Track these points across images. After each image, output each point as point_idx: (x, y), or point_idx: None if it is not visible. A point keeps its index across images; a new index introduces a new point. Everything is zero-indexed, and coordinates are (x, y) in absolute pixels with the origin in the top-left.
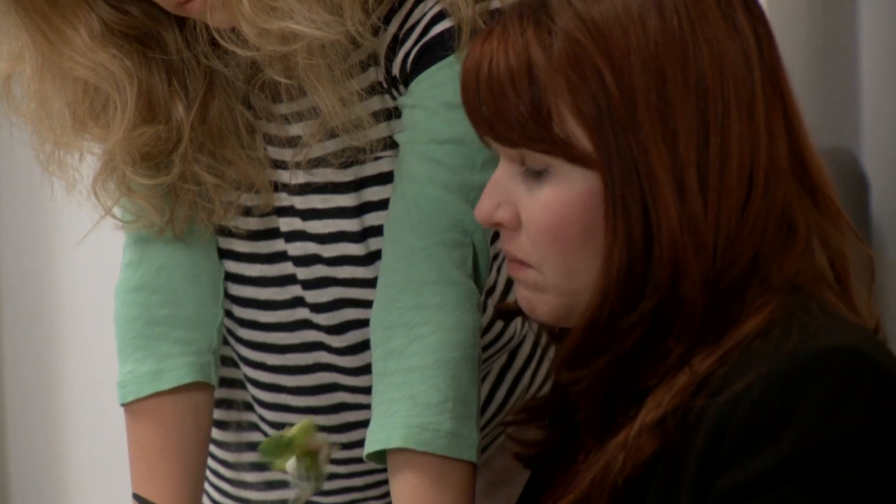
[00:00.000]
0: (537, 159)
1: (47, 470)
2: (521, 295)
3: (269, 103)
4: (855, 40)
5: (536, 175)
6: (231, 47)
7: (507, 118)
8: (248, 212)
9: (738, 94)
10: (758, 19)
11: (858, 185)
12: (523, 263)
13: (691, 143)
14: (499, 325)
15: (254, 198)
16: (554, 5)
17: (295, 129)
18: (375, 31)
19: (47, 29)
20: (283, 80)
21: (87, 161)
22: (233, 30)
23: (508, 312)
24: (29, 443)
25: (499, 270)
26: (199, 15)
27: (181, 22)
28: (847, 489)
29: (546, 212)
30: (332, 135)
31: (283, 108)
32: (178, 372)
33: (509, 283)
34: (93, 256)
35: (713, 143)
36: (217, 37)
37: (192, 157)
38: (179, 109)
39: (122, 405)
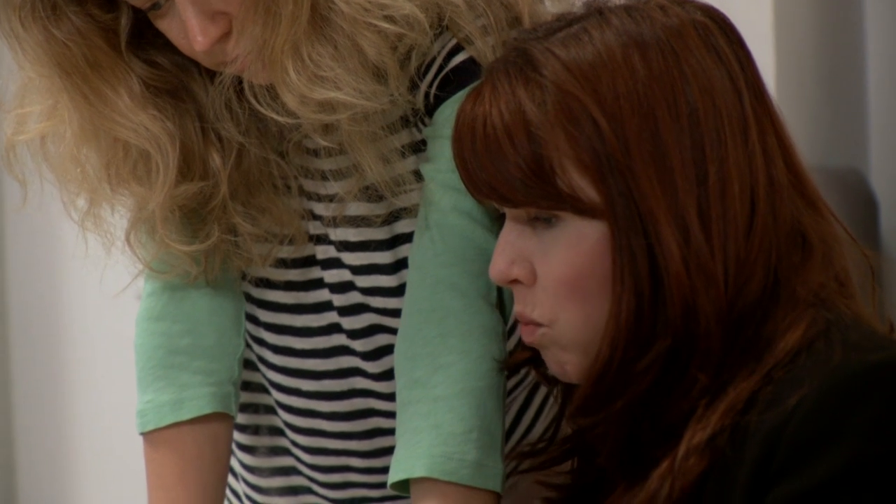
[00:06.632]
0: (545, 212)
1: (56, 498)
2: (550, 360)
3: (307, 158)
4: (862, 60)
5: (546, 222)
6: (269, 113)
7: (509, 178)
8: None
9: (730, 120)
10: (736, 43)
11: (867, 205)
12: (537, 324)
13: (689, 181)
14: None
15: (289, 249)
16: (538, 57)
17: (333, 187)
18: (411, 86)
19: (88, 91)
20: (323, 143)
21: (119, 212)
22: (270, 93)
23: (517, 365)
24: (37, 469)
25: None
26: (235, 71)
27: (211, 72)
28: None
29: (563, 264)
30: (370, 196)
31: (320, 164)
32: (198, 402)
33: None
34: (103, 282)
35: (711, 174)
36: (253, 101)
37: (230, 207)
38: (216, 159)
39: (141, 434)
